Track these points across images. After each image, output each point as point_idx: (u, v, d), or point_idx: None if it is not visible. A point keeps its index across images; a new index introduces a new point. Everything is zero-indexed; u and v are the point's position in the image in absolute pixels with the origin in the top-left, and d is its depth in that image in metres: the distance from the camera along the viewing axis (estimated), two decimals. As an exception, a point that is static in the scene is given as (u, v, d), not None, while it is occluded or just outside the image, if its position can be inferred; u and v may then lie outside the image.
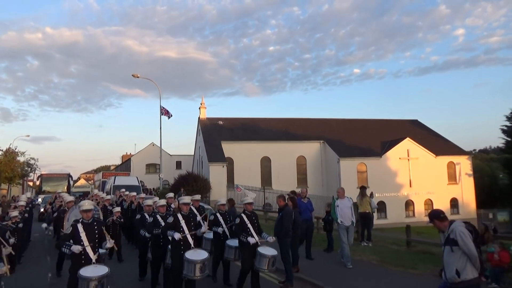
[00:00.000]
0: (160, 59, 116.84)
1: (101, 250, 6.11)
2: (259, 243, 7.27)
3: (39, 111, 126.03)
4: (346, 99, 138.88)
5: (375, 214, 13.30)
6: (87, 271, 5.38)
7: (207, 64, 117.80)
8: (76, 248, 5.50)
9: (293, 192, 12.47)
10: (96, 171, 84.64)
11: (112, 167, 72.91)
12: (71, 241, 5.63)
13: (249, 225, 7.43)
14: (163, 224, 7.31)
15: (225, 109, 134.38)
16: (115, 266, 9.43)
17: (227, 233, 8.39)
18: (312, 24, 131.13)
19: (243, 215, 7.56)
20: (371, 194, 14.17)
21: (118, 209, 11.30)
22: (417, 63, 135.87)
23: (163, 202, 8.41)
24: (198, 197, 10.39)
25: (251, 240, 7.20)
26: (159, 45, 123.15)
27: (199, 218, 7.61)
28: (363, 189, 12.76)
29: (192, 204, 8.40)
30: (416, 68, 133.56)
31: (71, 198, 11.00)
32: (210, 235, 8.58)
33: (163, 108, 27.70)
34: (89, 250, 5.65)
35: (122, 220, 10.97)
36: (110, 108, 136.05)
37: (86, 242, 5.64)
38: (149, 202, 9.62)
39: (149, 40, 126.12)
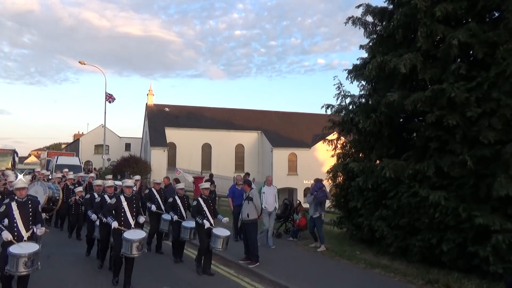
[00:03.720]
0: (122, 35, 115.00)
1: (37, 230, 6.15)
2: (213, 226, 7.87)
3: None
4: (308, 90, 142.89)
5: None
6: (17, 248, 5.49)
7: (171, 44, 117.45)
8: (5, 236, 5.56)
9: (247, 174, 14.94)
10: (49, 148, 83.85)
11: (63, 146, 73.07)
12: (5, 221, 5.75)
13: (205, 208, 7.97)
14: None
15: (188, 92, 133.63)
16: (77, 242, 10.65)
17: (162, 208, 9.68)
18: (280, 12, 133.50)
19: (199, 198, 8.08)
20: (253, 179, 17.11)
21: (80, 188, 11.44)
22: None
23: (110, 183, 8.65)
24: (137, 177, 12.20)
25: (206, 223, 7.77)
26: (121, 21, 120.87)
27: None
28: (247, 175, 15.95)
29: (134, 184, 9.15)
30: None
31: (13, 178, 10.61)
32: (168, 216, 9.21)
33: (107, 94, 29.78)
34: (21, 227, 5.76)
35: (83, 199, 10.69)
36: (66, 83, 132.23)
37: (19, 220, 5.75)
38: (98, 182, 9.69)
39: (111, 15, 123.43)
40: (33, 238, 5.96)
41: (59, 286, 6.96)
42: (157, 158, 34.05)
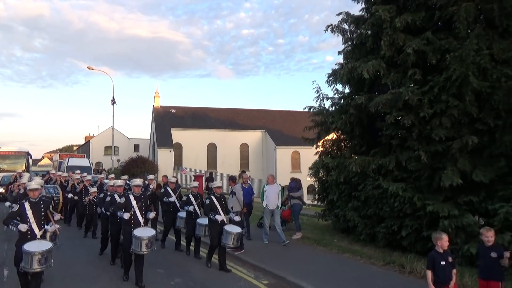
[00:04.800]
0: (131, 37, 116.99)
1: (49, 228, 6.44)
2: (225, 221, 8.21)
3: (1, 86, 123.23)
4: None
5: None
6: (31, 246, 5.75)
7: (180, 44, 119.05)
8: (23, 227, 5.85)
9: (243, 171, 15.63)
10: (61, 150, 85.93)
11: (75, 148, 75.02)
12: (18, 218, 5.98)
13: (218, 206, 8.30)
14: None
15: (196, 92, 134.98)
16: (91, 241, 10.91)
17: (178, 206, 9.96)
18: (287, 9, 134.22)
19: (212, 196, 8.41)
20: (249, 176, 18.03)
21: (94, 189, 11.79)
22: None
23: (121, 182, 8.77)
24: (151, 176, 12.51)
25: (219, 218, 8.09)
26: (129, 23, 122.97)
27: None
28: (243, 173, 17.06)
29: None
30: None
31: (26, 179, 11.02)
32: (183, 214, 9.59)
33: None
34: (34, 226, 6.01)
35: (97, 199, 10.97)
36: (77, 86, 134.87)
37: (32, 219, 6.00)
38: (110, 182, 10.07)
39: (119, 17, 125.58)
40: (45, 237, 6.24)
41: (71, 282, 7.23)
42: (164, 158, 35.33)
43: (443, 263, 5.16)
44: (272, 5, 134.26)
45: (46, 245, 5.90)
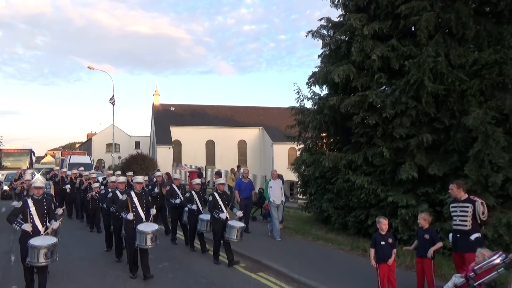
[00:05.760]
0: (132, 34, 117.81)
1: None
2: (228, 218, 8.33)
3: (3, 84, 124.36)
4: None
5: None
6: (36, 241, 5.91)
7: (181, 41, 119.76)
8: (27, 227, 6.00)
9: (238, 166, 16.28)
10: (64, 148, 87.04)
11: (77, 145, 76.21)
12: (21, 216, 6.14)
13: (220, 202, 8.40)
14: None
15: (197, 89, 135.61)
16: (96, 237, 10.89)
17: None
18: (288, 5, 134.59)
19: (215, 193, 8.50)
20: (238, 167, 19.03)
21: (97, 184, 11.97)
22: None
23: (123, 179, 8.89)
24: (159, 173, 12.58)
25: (222, 216, 8.24)
26: (130, 19, 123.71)
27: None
28: (238, 167, 18.04)
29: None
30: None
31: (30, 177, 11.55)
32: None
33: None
34: (37, 223, 6.17)
35: (99, 195, 11.17)
36: (79, 83, 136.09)
37: (35, 216, 6.16)
38: (112, 179, 10.17)
39: (121, 14, 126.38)
40: (48, 232, 6.32)
41: (78, 278, 7.35)
42: (163, 155, 36.33)
43: (383, 243, 6.09)
44: (273, 1, 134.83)
45: (50, 239, 6.07)
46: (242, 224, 8.38)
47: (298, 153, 13.19)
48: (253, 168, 39.65)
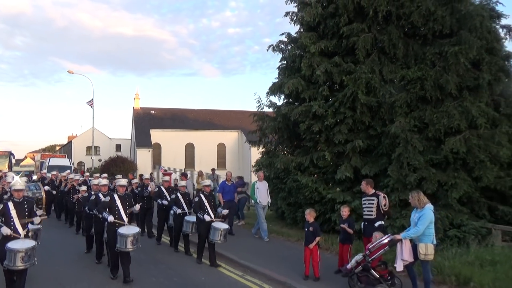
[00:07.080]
0: (115, 36, 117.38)
1: (33, 226, 6.62)
2: (213, 220, 8.45)
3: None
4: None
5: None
6: (15, 244, 5.84)
7: (165, 43, 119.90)
8: (6, 231, 5.88)
9: (213, 170, 17.26)
10: (44, 150, 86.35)
11: (58, 147, 76.01)
12: (2, 219, 6.01)
13: (206, 204, 8.50)
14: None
15: (180, 91, 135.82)
16: (78, 241, 10.69)
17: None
18: (272, 8, 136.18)
19: (201, 195, 8.63)
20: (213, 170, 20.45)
21: (84, 187, 11.73)
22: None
23: (105, 182, 9.03)
24: (147, 176, 12.98)
25: (207, 218, 8.36)
26: (114, 21, 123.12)
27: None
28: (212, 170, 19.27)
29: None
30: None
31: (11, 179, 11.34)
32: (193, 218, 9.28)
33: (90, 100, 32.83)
34: (18, 226, 6.08)
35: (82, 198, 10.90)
36: (60, 84, 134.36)
37: (15, 219, 6.07)
38: (94, 181, 10.14)
39: (103, 15, 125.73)
40: (28, 236, 6.35)
41: (58, 281, 7.33)
42: (143, 158, 37.24)
43: (306, 230, 7.44)
44: (257, 4, 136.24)
45: (29, 243, 6.02)
46: (226, 226, 8.58)
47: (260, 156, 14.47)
48: (232, 170, 40.53)
